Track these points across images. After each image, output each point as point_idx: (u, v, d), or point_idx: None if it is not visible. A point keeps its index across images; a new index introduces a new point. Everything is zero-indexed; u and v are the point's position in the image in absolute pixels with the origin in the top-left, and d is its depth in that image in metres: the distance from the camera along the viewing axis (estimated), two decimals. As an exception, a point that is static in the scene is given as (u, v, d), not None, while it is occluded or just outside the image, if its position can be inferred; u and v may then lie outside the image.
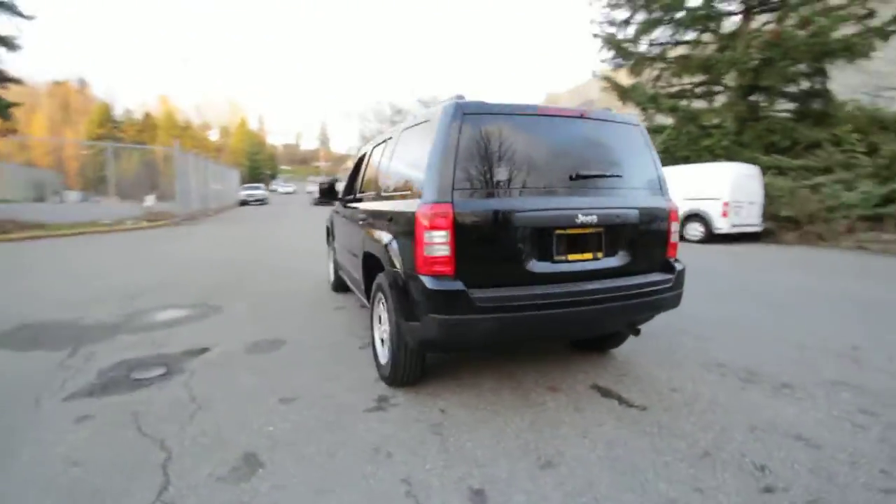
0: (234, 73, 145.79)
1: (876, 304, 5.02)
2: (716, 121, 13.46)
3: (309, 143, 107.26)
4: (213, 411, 2.61)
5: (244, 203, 29.71)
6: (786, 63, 11.42)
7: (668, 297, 2.67)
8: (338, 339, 3.86)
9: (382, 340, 3.01)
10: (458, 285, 2.23)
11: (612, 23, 16.58)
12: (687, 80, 15.19)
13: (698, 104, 14.68)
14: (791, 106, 13.32)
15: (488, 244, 2.34)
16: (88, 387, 2.94)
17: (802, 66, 12.01)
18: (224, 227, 14.78)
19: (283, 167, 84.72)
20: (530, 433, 2.36)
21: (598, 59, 16.58)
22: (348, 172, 4.85)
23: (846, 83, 13.83)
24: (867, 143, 11.59)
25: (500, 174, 2.40)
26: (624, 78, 16.02)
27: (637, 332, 2.86)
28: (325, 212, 6.15)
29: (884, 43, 11.38)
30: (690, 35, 14.66)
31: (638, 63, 15.24)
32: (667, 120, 15.43)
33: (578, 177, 2.51)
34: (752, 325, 4.20)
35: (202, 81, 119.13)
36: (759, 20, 13.63)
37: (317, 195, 5.18)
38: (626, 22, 16.17)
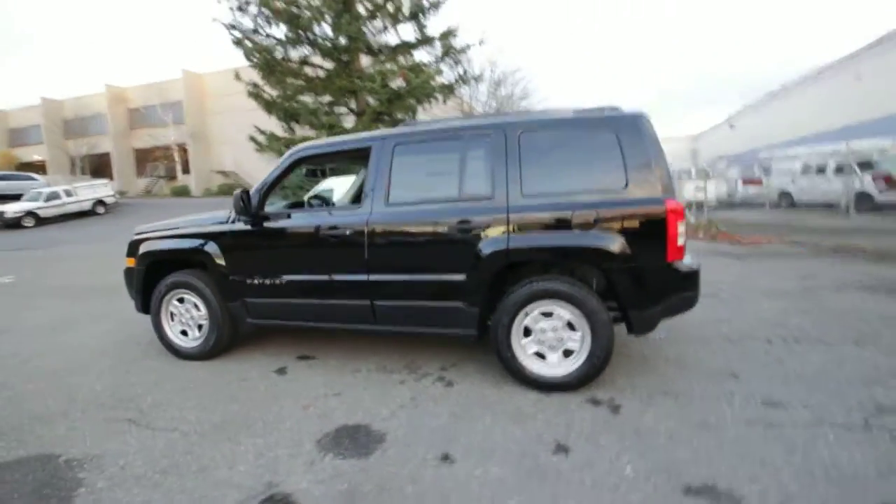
0: None
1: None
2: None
3: None
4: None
5: None
6: (410, 98, 14.94)
7: None
8: (399, 399, 2.92)
9: (568, 350, 2.81)
10: (697, 264, 2.70)
11: (236, 27, 16.00)
12: (316, 100, 16.75)
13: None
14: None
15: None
16: None
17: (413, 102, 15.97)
18: None
19: None
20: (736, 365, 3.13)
21: (247, 65, 15.64)
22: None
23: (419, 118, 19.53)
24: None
25: None
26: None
27: None
28: None
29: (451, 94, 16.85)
30: (319, 59, 16.28)
31: (281, 74, 15.52)
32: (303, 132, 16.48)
33: None
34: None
35: None
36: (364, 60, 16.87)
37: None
38: (254, 31, 16.08)
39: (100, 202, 20.90)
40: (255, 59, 15.38)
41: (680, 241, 2.62)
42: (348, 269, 3.10)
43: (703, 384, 2.89)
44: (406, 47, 16.80)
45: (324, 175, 3.70)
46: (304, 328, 3.40)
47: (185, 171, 31.90)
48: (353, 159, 4.07)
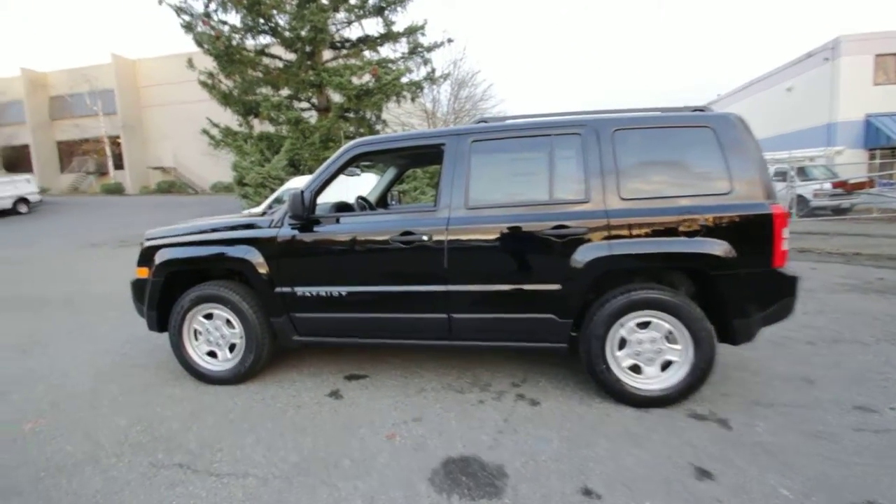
0: None
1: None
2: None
3: None
4: None
5: None
6: (380, 96, 14.43)
7: None
8: (492, 423, 2.67)
9: (667, 362, 2.69)
10: (797, 271, 2.65)
11: (185, 10, 14.79)
12: (276, 93, 15.78)
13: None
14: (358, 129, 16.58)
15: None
16: None
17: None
18: None
19: None
20: (803, 370, 3.13)
21: (204, 54, 14.46)
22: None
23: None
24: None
25: None
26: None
27: None
28: None
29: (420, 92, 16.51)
30: (277, 49, 15.38)
31: (241, 64, 14.52)
32: (262, 127, 15.53)
33: None
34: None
35: None
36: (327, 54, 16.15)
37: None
38: (207, 14, 14.96)
39: (22, 200, 18.56)
40: (208, 47, 14.23)
41: (784, 247, 2.57)
42: (423, 279, 2.80)
43: (788, 392, 2.88)
44: (372, 42, 16.28)
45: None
46: (361, 346, 3.06)
47: (119, 166, 29.16)
48: (416, 156, 3.74)
